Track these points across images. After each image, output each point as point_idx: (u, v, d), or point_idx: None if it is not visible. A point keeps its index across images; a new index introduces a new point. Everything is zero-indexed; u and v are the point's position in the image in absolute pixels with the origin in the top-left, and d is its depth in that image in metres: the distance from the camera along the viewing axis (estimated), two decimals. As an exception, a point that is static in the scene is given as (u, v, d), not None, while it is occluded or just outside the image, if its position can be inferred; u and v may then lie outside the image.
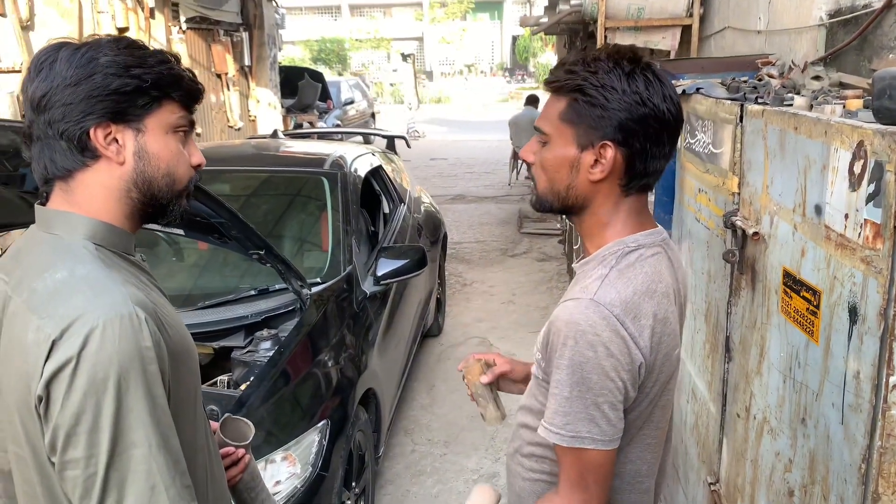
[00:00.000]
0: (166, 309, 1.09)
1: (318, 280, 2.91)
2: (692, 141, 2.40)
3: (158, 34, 6.15)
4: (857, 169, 1.23)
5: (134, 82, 1.03)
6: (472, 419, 3.85)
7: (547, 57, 28.36)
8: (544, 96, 1.24)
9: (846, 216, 1.27)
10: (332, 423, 2.37)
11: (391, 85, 26.36)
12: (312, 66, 19.79)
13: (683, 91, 2.50)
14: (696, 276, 2.38)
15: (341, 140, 5.93)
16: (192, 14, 6.71)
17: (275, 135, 4.82)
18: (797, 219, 1.51)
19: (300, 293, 2.61)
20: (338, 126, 11.46)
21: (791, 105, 1.74)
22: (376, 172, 4.14)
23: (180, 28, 6.54)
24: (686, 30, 4.57)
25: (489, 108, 23.57)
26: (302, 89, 10.45)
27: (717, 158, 2.11)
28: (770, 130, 1.68)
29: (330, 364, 2.60)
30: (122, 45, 1.05)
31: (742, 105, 1.91)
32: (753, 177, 1.81)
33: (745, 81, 2.32)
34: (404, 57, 19.32)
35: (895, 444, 1.16)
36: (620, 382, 1.11)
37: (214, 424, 1.40)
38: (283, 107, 9.27)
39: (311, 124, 10.07)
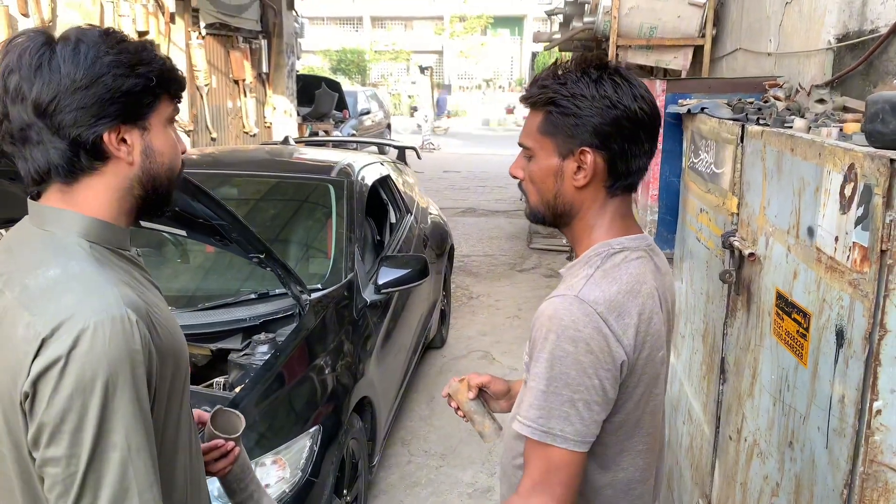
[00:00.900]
0: (158, 308, 1.09)
1: (319, 286, 2.92)
2: (696, 160, 2.39)
3: (178, 39, 6.23)
4: (848, 192, 1.23)
5: (142, 82, 1.03)
6: (471, 432, 3.83)
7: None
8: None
9: (836, 239, 1.27)
10: (324, 430, 2.37)
11: (409, 97, 26.48)
12: (331, 76, 19.97)
13: (689, 110, 2.50)
14: (695, 296, 2.37)
15: (356, 149, 5.96)
16: (211, 20, 6.80)
17: (286, 141, 4.86)
18: (791, 240, 1.50)
19: (299, 298, 2.62)
20: (353, 135, 11.53)
21: (791, 127, 1.74)
22: (384, 182, 4.16)
23: (200, 34, 6.63)
24: (698, 50, 4.57)
25: (504, 124, 23.64)
26: (319, 98, 10.52)
27: (719, 178, 2.11)
28: (768, 151, 1.68)
29: (325, 370, 2.61)
30: (112, 39, 1.03)
31: (743, 126, 1.91)
32: (752, 197, 1.81)
33: (750, 103, 2.32)
34: (422, 69, 19.40)
35: (878, 471, 1.15)
36: (598, 381, 1.12)
37: (205, 415, 1.41)
38: (299, 115, 9.35)
39: (327, 133, 10.14)
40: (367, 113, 14.42)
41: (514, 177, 1.30)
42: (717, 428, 2.03)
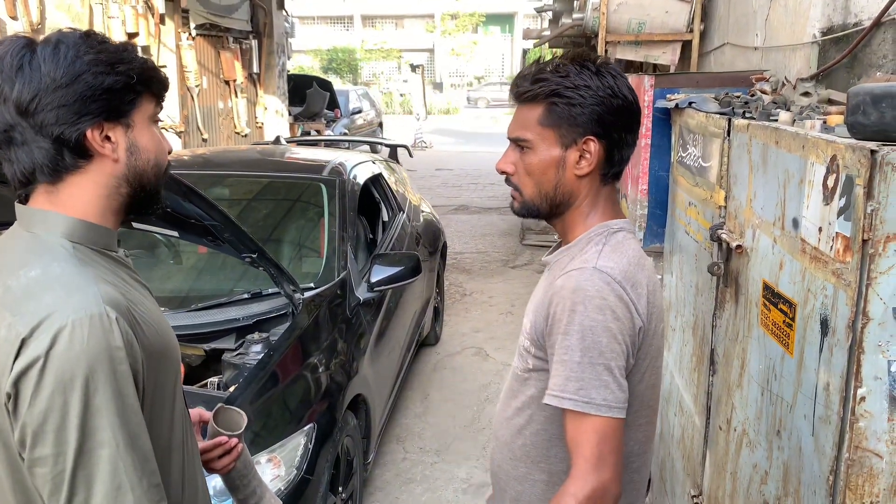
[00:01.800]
0: (144, 306, 1.09)
1: (312, 285, 2.93)
2: (684, 155, 2.41)
3: (168, 40, 6.22)
4: (831, 183, 1.25)
5: (122, 79, 1.04)
6: (465, 429, 3.86)
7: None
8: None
9: (820, 229, 1.29)
10: (318, 428, 2.38)
11: (401, 95, 26.44)
12: (323, 76, 19.93)
13: (676, 105, 2.52)
14: (685, 289, 2.39)
15: (348, 148, 5.96)
16: (201, 21, 6.78)
17: (277, 141, 4.86)
18: (776, 232, 1.52)
19: (292, 297, 2.63)
20: (344, 134, 11.51)
21: (776, 120, 1.76)
22: (376, 180, 4.17)
23: (190, 35, 6.62)
24: (686, 45, 4.59)
25: (498, 121, 23.66)
26: (310, 97, 10.51)
27: (706, 172, 2.12)
28: (754, 144, 1.70)
29: (319, 368, 2.62)
30: (94, 40, 1.04)
31: (730, 119, 1.93)
32: (739, 190, 1.83)
33: (737, 97, 2.34)
34: (413, 67, 19.36)
35: (862, 457, 1.17)
36: (625, 346, 1.16)
37: (207, 414, 1.42)
38: (290, 114, 9.34)
39: (319, 132, 10.12)
40: (359, 112, 14.40)
41: (504, 172, 1.32)
42: (708, 419, 2.05)
